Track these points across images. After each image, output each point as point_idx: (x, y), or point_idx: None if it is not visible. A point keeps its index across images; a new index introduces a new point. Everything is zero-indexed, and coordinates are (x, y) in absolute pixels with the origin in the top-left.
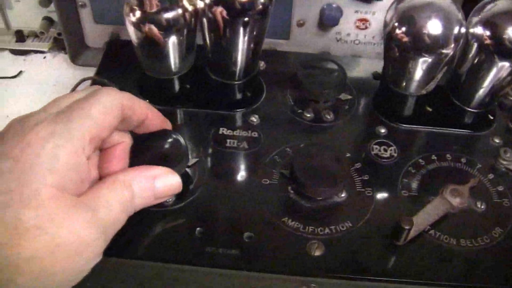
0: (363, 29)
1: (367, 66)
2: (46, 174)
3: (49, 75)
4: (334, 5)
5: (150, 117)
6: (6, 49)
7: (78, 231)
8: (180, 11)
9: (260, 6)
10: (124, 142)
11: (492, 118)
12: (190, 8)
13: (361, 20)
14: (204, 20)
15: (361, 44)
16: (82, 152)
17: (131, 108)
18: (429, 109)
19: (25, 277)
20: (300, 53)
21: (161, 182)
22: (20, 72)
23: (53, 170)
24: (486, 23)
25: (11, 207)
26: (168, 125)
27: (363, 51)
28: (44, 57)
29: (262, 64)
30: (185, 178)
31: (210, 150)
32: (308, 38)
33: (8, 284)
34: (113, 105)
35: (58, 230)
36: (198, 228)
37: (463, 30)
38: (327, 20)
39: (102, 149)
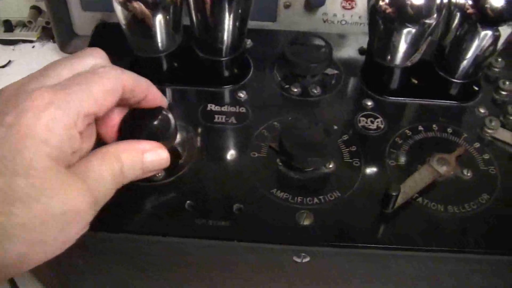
0: (349, 9)
1: (353, 43)
2: (41, 145)
3: (38, 64)
4: None
5: (149, 97)
6: None
7: (70, 201)
8: None
9: None
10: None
11: (477, 89)
12: None
13: (347, 0)
14: None
15: (348, 24)
16: (75, 127)
17: (131, 90)
18: (415, 81)
19: (16, 245)
20: (287, 31)
21: (150, 156)
22: (9, 61)
23: (47, 142)
24: None
25: (4, 175)
26: (164, 104)
27: (350, 31)
28: (33, 46)
29: (249, 42)
30: (174, 153)
31: (198, 126)
32: (295, 19)
33: None
34: (115, 86)
35: (50, 200)
36: (188, 202)
37: (445, 0)
38: (314, 1)
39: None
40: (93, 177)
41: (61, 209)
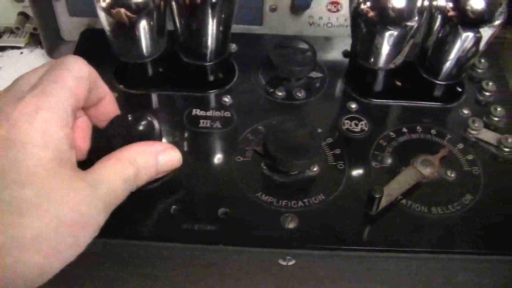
0: (335, 12)
1: (338, 46)
2: (40, 150)
3: (27, 70)
4: None
5: (108, 98)
6: None
7: (79, 208)
8: None
9: None
10: (82, 116)
11: (460, 90)
12: None
13: (333, 3)
14: (173, 3)
15: (334, 27)
16: (67, 124)
17: (95, 81)
18: (399, 83)
19: (34, 257)
20: (272, 34)
21: (163, 157)
22: None
23: (46, 146)
24: None
25: (9, 188)
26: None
27: (336, 34)
28: (21, 53)
29: (233, 47)
30: None
31: (184, 131)
32: (281, 23)
33: (17, 264)
34: (83, 73)
35: (60, 207)
36: (174, 206)
37: (426, 3)
38: (299, 4)
39: None
40: (104, 182)
41: (70, 216)
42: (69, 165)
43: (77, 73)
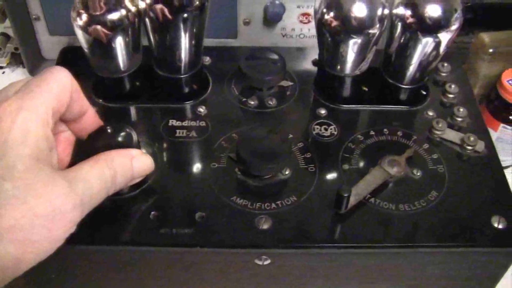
0: (306, 23)
1: (309, 55)
2: (20, 147)
3: None
4: (277, 2)
5: (90, 113)
6: None
7: (55, 202)
8: (123, 12)
9: (197, 3)
10: (65, 131)
11: (425, 93)
12: (133, 9)
13: (304, 14)
14: (147, 19)
15: (306, 37)
16: (47, 125)
17: (77, 93)
18: (366, 89)
19: (7, 246)
20: (243, 47)
21: (137, 162)
22: None
23: (26, 143)
24: (407, 4)
25: None
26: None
27: (309, 44)
28: (3, 72)
29: (207, 59)
30: None
31: (161, 141)
32: (255, 35)
33: None
34: (67, 81)
35: (36, 200)
36: (152, 212)
37: (386, 11)
38: (271, 17)
39: None
40: (80, 180)
41: (47, 209)
42: (47, 162)
43: (61, 80)
